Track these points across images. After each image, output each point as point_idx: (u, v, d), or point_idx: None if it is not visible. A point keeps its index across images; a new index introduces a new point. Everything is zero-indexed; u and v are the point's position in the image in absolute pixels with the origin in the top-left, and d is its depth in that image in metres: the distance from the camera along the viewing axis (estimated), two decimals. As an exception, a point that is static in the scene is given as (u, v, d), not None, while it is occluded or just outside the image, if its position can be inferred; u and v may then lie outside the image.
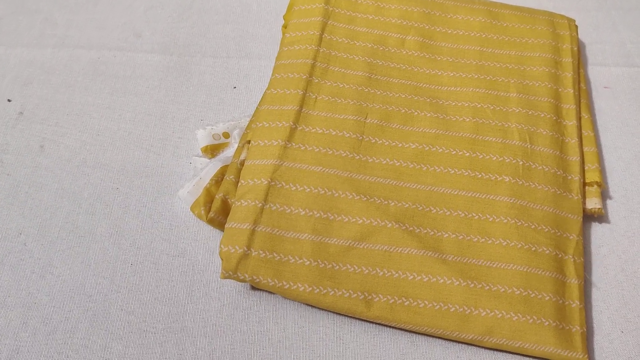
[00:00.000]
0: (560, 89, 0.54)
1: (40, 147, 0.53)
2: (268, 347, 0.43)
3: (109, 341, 0.43)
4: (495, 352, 0.43)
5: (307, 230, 0.44)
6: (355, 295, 0.42)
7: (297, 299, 0.43)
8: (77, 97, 0.57)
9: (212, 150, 0.52)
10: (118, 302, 0.44)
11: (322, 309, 0.44)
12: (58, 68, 0.59)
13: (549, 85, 0.54)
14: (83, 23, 0.63)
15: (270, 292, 0.45)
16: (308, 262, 0.43)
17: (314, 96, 0.50)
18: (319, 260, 0.43)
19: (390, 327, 0.44)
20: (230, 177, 0.48)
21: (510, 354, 0.43)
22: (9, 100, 0.56)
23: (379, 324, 0.44)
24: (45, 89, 0.57)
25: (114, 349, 0.42)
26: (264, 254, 0.43)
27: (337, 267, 0.43)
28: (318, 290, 0.42)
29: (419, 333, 0.43)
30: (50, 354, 0.42)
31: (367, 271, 0.43)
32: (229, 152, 0.52)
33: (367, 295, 0.42)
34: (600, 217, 0.50)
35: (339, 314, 0.44)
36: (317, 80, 0.52)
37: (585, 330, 0.43)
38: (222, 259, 0.43)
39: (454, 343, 0.43)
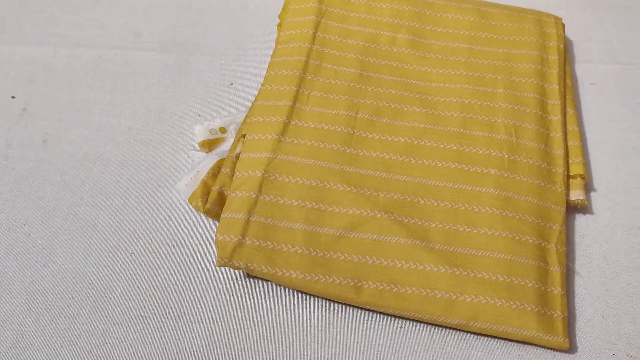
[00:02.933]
0: (546, 85, 0.55)
1: (43, 142, 0.55)
2: (262, 332, 0.44)
3: (109, 326, 0.44)
4: (481, 336, 0.45)
5: (299, 220, 0.46)
6: (346, 282, 0.44)
7: (290, 286, 0.45)
8: (78, 94, 0.58)
9: (209, 145, 0.53)
10: (119, 290, 0.46)
11: (314, 296, 0.46)
12: (60, 66, 0.61)
13: (535, 82, 0.55)
14: (84, 22, 0.65)
15: (265, 280, 0.46)
16: (300, 251, 0.44)
17: (307, 92, 0.52)
18: (311, 249, 0.45)
19: (379, 313, 0.45)
20: (227, 170, 0.49)
21: (495, 338, 0.44)
22: (12, 97, 0.58)
23: (368, 310, 0.45)
24: (48, 86, 0.59)
25: (114, 334, 0.44)
26: (258, 243, 0.44)
27: (329, 255, 0.45)
28: (310, 277, 0.44)
29: (407, 319, 0.45)
30: (53, 339, 0.43)
31: (357, 259, 0.45)
32: (225, 147, 0.53)
33: (357, 282, 0.44)
34: (584, 208, 0.52)
35: (331, 301, 0.46)
36: (310, 77, 0.53)
37: (566, 315, 0.44)
38: (217, 248, 0.45)
39: (441, 328, 0.45)
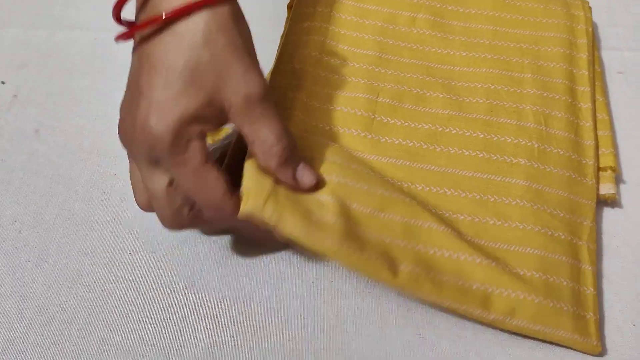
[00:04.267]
0: (575, 71, 0.53)
1: (36, 132, 0.52)
2: (270, 339, 0.41)
3: (106, 332, 0.42)
4: (505, 345, 0.42)
5: (327, 193, 0.41)
6: (380, 260, 0.39)
7: (324, 252, 0.39)
8: (74, 80, 0.56)
9: (212, 135, 0.50)
10: (116, 292, 0.43)
11: (325, 300, 0.43)
12: (54, 50, 0.58)
13: (564, 67, 0.52)
14: (81, 2, 0.62)
15: (273, 283, 0.44)
16: (333, 220, 0.39)
17: (324, 74, 0.49)
18: (343, 219, 0.40)
19: (411, 300, 0.42)
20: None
21: (520, 346, 0.41)
22: (2, 83, 0.55)
23: (396, 300, 0.42)
24: (41, 71, 0.56)
25: (112, 340, 0.41)
26: (292, 198, 0.39)
27: (361, 231, 0.40)
28: (346, 247, 0.39)
29: (441, 310, 0.42)
30: (46, 346, 0.41)
31: (388, 240, 0.41)
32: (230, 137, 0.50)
33: (390, 262, 0.40)
34: (613, 203, 0.49)
35: (343, 306, 0.43)
36: (326, 59, 0.50)
37: (598, 317, 0.42)
38: (244, 196, 0.38)
39: (462, 337, 0.42)
